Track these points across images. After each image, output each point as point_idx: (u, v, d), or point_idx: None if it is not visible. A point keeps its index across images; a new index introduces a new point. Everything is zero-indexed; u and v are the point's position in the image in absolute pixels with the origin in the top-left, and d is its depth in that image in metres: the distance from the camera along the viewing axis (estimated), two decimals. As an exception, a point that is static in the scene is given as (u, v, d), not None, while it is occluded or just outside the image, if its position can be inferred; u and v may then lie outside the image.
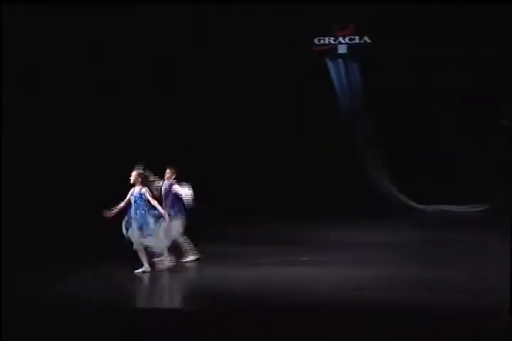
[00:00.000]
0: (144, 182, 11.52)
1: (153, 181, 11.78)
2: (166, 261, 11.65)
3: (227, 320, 8.04)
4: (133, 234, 11.45)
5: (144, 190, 11.47)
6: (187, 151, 16.98)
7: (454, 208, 17.92)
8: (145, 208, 11.51)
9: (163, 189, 12.16)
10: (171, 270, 11.63)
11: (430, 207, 18.42)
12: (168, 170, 12.24)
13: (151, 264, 11.55)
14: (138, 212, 11.49)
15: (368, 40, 18.49)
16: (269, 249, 13.28)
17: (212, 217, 15.27)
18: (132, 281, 11.20)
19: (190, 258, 12.18)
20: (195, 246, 12.21)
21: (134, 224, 11.47)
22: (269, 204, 17.47)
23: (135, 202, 11.50)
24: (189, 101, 18.20)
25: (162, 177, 12.17)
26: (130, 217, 11.51)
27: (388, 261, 12.18)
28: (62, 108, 16.03)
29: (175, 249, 11.97)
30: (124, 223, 11.50)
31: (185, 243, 12.19)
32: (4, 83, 14.00)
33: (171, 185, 12.21)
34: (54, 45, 15.79)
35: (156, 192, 11.74)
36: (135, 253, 11.50)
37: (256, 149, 18.63)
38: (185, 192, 11.93)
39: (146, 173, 11.59)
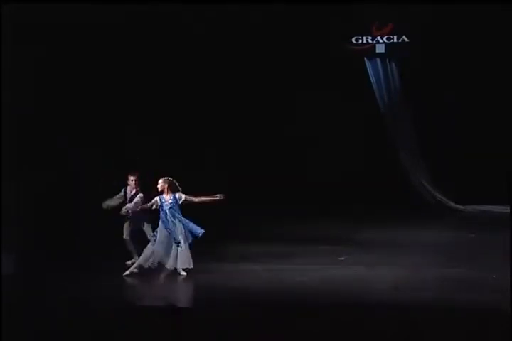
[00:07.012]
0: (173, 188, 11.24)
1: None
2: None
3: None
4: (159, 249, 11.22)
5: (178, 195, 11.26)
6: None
7: (496, 209, 17.75)
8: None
9: None
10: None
11: (469, 207, 18.29)
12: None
13: None
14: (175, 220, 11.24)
15: (406, 40, 18.41)
16: (309, 248, 13.38)
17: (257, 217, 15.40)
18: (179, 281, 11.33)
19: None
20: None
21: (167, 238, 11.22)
22: (310, 204, 17.56)
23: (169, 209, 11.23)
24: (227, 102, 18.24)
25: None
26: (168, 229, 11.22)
27: (425, 262, 12.15)
28: (62, 109, 15.97)
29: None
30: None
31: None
32: (4, 83, 13.91)
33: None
34: (54, 45, 15.73)
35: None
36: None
37: (296, 150, 18.80)
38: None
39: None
